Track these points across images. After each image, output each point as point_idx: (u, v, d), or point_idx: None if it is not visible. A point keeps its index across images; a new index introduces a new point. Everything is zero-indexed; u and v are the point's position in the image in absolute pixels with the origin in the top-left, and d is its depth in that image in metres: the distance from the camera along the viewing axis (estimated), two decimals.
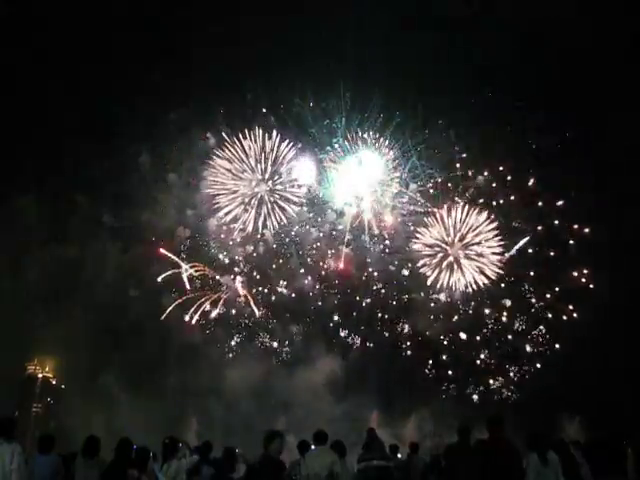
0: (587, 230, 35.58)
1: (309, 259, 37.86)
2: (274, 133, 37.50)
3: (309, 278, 37.63)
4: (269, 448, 8.11)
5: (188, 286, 36.57)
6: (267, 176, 37.55)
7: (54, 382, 38.46)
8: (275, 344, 36.77)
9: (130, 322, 33.04)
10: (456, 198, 37.21)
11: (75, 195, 35.34)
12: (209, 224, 37.40)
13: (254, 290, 37.51)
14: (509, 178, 37.32)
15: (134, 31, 36.89)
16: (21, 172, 33.85)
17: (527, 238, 36.12)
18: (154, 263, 36.13)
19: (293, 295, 37.42)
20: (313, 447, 9.77)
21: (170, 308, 35.31)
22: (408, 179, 37.54)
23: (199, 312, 36.20)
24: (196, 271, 36.87)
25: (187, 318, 35.94)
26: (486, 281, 36.26)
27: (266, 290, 37.56)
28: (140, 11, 36.85)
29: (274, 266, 37.84)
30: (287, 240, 37.79)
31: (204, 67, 36.73)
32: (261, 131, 37.49)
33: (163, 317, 34.86)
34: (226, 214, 37.24)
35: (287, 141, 37.59)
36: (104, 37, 36.73)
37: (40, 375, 38.68)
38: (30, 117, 34.85)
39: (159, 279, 35.66)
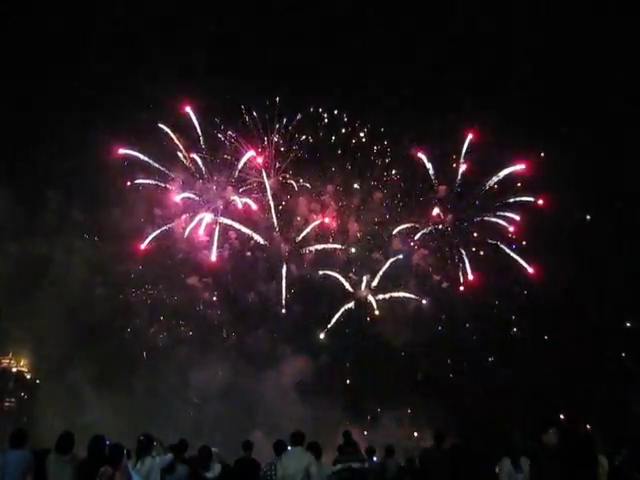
0: None
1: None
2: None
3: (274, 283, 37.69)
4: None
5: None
6: (233, 181, 37.68)
7: (28, 377, 37.46)
8: (242, 346, 36.57)
9: (99, 319, 32.72)
10: None
11: (45, 191, 34.85)
12: (176, 225, 37.14)
13: (221, 292, 37.48)
14: None
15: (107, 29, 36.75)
16: None
17: None
18: (123, 261, 35.84)
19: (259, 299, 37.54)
20: (289, 448, 9.81)
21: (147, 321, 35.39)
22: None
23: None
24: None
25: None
26: None
27: (232, 293, 37.56)
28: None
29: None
30: (252, 244, 37.81)
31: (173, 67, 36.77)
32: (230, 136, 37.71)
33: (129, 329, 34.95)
34: (191, 216, 37.13)
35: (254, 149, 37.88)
36: (77, 34, 36.41)
37: (14, 369, 37.59)
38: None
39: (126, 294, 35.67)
